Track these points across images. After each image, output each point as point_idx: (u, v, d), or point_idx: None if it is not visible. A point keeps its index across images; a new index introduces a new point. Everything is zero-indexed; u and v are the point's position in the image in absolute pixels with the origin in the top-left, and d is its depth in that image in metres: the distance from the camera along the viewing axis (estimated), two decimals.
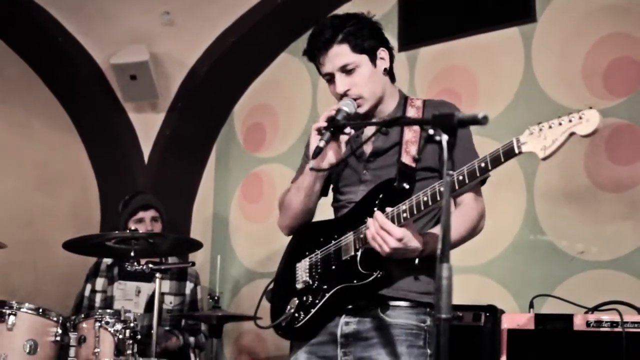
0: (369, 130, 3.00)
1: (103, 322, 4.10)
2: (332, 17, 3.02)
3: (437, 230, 2.85)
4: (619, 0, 4.72)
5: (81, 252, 4.84)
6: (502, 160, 2.47)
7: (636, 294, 4.18)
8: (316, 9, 5.69)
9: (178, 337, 5.14)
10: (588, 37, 4.80)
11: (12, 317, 3.95)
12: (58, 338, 4.10)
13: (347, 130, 2.82)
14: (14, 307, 3.99)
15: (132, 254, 4.33)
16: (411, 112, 3.00)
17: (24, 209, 6.14)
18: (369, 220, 2.72)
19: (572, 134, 2.35)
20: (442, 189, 2.59)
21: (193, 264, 4.94)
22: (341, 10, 5.50)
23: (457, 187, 2.57)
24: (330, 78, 2.97)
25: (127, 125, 6.49)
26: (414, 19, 5.56)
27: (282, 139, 6.24)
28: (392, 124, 2.72)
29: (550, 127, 2.38)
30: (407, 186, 2.83)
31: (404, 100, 3.07)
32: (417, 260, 2.78)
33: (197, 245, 4.88)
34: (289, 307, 2.99)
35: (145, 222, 5.23)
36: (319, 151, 2.79)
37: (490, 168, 2.50)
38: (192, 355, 5.33)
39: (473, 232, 2.93)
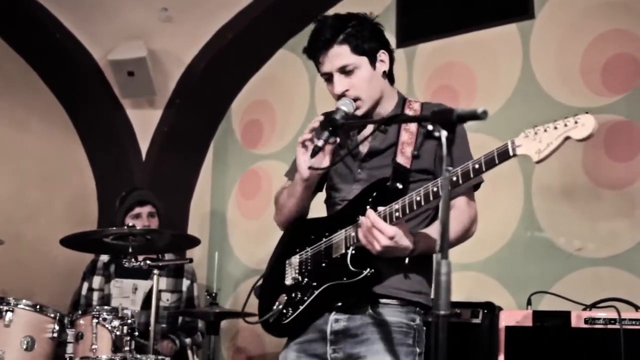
0: (367, 130, 3.01)
1: (100, 318, 4.09)
2: (334, 16, 3.00)
3: (428, 230, 2.85)
4: None
5: (78, 249, 4.83)
6: (497, 162, 2.47)
7: (634, 291, 4.18)
8: (314, 6, 5.68)
9: (175, 343, 5.12)
10: (586, 34, 4.80)
11: (9, 314, 3.95)
12: (55, 334, 4.10)
13: (332, 140, 2.81)
14: (11, 304, 3.99)
15: (130, 250, 4.32)
16: (409, 114, 3.00)
17: (22, 205, 6.13)
18: (361, 218, 2.72)
19: (567, 138, 2.35)
20: (434, 189, 2.60)
21: (191, 260, 4.93)
22: (339, 7, 5.52)
23: (449, 188, 2.56)
24: (328, 77, 2.96)
25: (125, 122, 6.49)
26: (412, 15, 5.55)
27: (279, 136, 6.23)
28: (390, 122, 2.72)
29: (545, 130, 2.39)
30: (400, 186, 2.84)
31: (403, 102, 3.06)
32: (407, 260, 2.79)
33: (194, 242, 4.88)
34: (277, 303, 3.00)
35: (142, 217, 5.22)
36: (317, 150, 2.80)
37: (484, 169, 2.50)
38: (189, 353, 5.33)
39: (464, 236, 2.92)
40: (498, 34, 5.15)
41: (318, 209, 3.21)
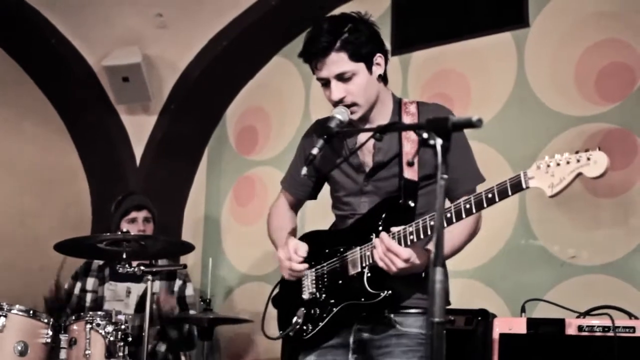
0: (362, 136, 2.99)
1: (94, 324, 4.09)
2: (329, 20, 2.97)
3: None
4: (611, 6, 4.73)
5: (72, 254, 4.84)
6: (510, 193, 2.50)
7: (628, 299, 4.19)
8: (309, 12, 5.70)
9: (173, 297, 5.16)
10: (581, 43, 4.81)
11: (2, 319, 3.94)
12: (49, 340, 4.09)
13: (315, 152, 2.80)
14: (5, 309, 3.97)
15: (124, 256, 4.32)
16: (407, 120, 2.99)
17: (16, 210, 6.12)
18: (375, 241, 2.74)
19: (579, 174, 2.36)
20: (448, 215, 2.61)
21: (185, 266, 4.93)
22: (335, 13, 5.50)
23: (464, 216, 2.59)
24: (325, 83, 2.94)
25: (119, 127, 6.48)
26: (407, 22, 5.56)
27: (274, 142, 6.23)
28: (385, 130, 2.71)
29: (558, 164, 2.40)
30: (412, 204, 2.86)
31: (398, 106, 3.05)
32: (423, 274, 2.81)
33: (189, 248, 4.88)
34: (296, 317, 3.01)
35: (137, 222, 5.22)
36: (312, 159, 2.81)
37: (497, 200, 2.52)
38: (182, 358, 5.32)
39: (472, 234, 2.95)
40: (493, 42, 5.16)
41: (324, 217, 3.21)
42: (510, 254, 4.85)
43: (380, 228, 2.79)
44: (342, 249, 2.96)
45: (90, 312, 4.26)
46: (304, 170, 2.88)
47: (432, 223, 2.65)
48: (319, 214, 3.40)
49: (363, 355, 2.92)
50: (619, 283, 4.43)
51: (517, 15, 5.06)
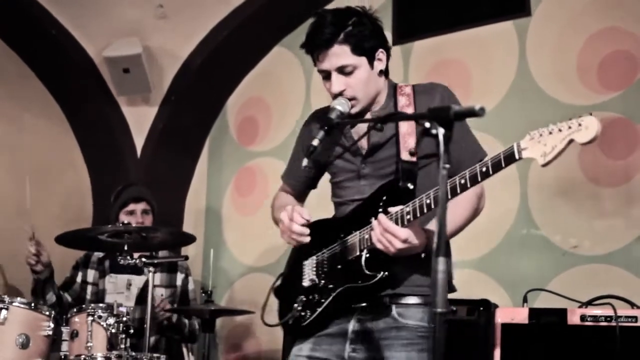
0: (362, 126, 3.00)
1: (96, 316, 4.08)
2: (334, 12, 2.96)
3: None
4: None
5: (73, 246, 4.83)
6: (503, 165, 2.49)
7: (630, 289, 4.19)
8: (311, 2, 5.67)
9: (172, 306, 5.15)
10: (582, 31, 4.79)
11: (4, 312, 3.92)
12: (50, 332, 4.08)
13: (315, 143, 2.80)
14: (6, 302, 3.96)
15: (125, 247, 4.31)
16: (402, 101, 2.99)
17: (16, 201, 6.11)
18: (374, 223, 2.74)
19: (571, 140, 2.35)
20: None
21: (186, 257, 4.93)
22: (336, 3, 5.50)
23: (459, 191, 2.58)
24: (326, 75, 2.94)
25: (120, 118, 6.47)
26: (409, 12, 5.55)
27: (275, 133, 6.22)
28: (387, 120, 2.71)
29: (550, 132, 2.39)
30: (411, 186, 2.86)
31: (394, 90, 3.05)
32: (423, 255, 2.80)
33: (190, 239, 4.87)
34: (295, 304, 3.02)
35: (136, 214, 5.21)
36: (313, 150, 2.82)
37: (491, 173, 2.51)
38: (184, 349, 5.33)
39: (474, 213, 2.95)
40: (494, 31, 5.15)
41: (324, 207, 3.21)
42: (512, 244, 4.84)
43: (380, 211, 2.79)
44: (342, 235, 2.96)
45: (92, 305, 4.25)
46: (305, 162, 2.90)
47: (427, 201, 2.64)
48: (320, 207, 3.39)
49: (361, 346, 2.91)
50: (621, 272, 4.42)
51: (518, 4, 5.04)
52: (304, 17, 5.58)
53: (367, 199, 2.95)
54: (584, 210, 4.62)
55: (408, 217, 2.70)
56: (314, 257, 3.05)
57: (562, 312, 3.80)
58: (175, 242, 5.38)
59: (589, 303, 3.90)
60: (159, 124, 6.41)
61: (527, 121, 4.84)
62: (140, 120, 6.46)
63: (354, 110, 2.93)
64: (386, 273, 2.78)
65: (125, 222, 4.47)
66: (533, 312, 3.90)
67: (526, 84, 4.95)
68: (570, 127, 2.34)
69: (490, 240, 4.89)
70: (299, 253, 3.13)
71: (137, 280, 5.11)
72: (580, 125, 2.33)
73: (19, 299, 4.05)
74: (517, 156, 2.46)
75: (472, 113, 2.01)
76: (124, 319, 4.15)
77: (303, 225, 2.92)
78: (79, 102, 6.57)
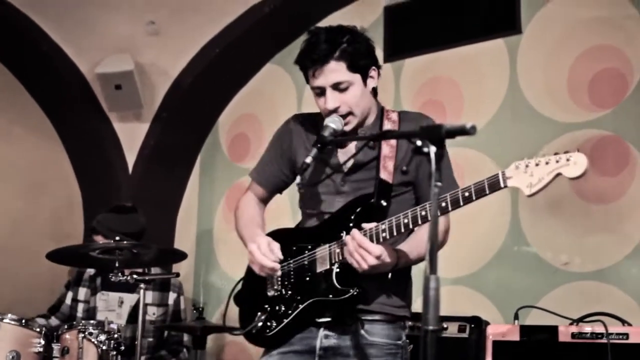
0: (351, 144, 3.03)
1: (86, 333, 4.08)
2: (327, 30, 2.97)
3: (408, 244, 2.90)
4: (604, 12, 4.74)
5: (64, 263, 4.83)
6: (487, 192, 2.52)
7: (621, 306, 4.20)
8: (302, 19, 5.69)
9: None
10: (573, 49, 4.81)
11: None
12: (41, 349, 4.08)
13: (309, 160, 2.82)
14: None
15: (116, 264, 4.31)
16: (387, 126, 3.02)
17: (7, 217, 6.10)
18: (347, 237, 2.76)
19: (558, 174, 2.37)
20: (423, 213, 2.64)
21: (178, 274, 4.91)
22: (328, 21, 5.53)
23: (438, 213, 2.57)
24: (320, 92, 2.96)
25: (112, 135, 6.47)
26: (400, 30, 5.56)
27: None
28: (379, 138, 2.74)
29: (537, 164, 2.41)
30: (384, 203, 2.88)
31: (381, 113, 3.07)
32: (389, 275, 2.83)
33: (181, 256, 4.86)
34: (259, 314, 3.03)
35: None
36: (306, 167, 2.84)
37: (474, 198, 2.54)
38: None
39: (439, 246, 2.94)
40: (485, 49, 5.17)
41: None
42: (503, 261, 4.84)
43: (351, 225, 2.81)
44: (309, 247, 2.97)
45: (83, 321, 4.24)
46: (298, 179, 2.91)
47: (405, 221, 2.67)
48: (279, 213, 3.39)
49: None
50: (611, 290, 4.43)
51: (509, 22, 5.06)
52: (296, 35, 5.61)
53: (338, 212, 2.96)
54: (575, 227, 4.63)
55: (384, 234, 2.72)
56: (279, 267, 3.00)
57: (554, 329, 3.81)
58: (167, 259, 5.38)
59: (580, 320, 3.90)
60: (150, 140, 6.41)
61: (518, 139, 4.88)
62: (131, 136, 6.46)
63: (347, 128, 2.94)
64: (358, 290, 2.79)
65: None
66: (524, 329, 3.91)
67: (517, 102, 4.96)
68: (558, 162, 2.37)
69: (481, 257, 4.89)
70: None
71: (129, 298, 5.09)
72: (568, 160, 2.37)
73: (9, 315, 4.05)
74: (502, 184, 2.49)
75: (463, 131, 2.01)
76: (115, 335, 4.14)
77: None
78: (71, 118, 6.57)
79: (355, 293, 2.79)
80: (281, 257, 2.92)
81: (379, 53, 5.42)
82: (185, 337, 5.31)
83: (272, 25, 5.97)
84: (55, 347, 4.13)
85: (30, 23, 6.02)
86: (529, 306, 4.32)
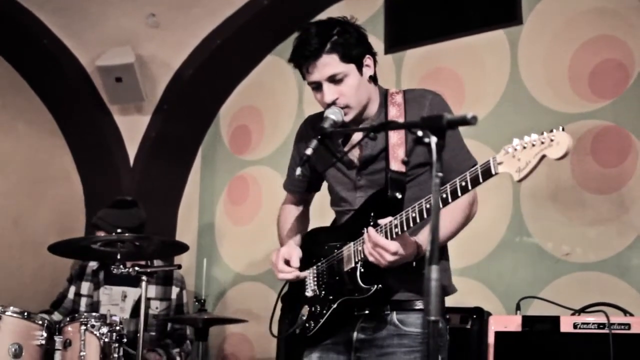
0: (355, 135, 3.03)
1: (89, 325, 4.07)
2: (317, 24, 2.99)
3: (426, 232, 2.86)
4: (604, 3, 4.74)
5: (66, 255, 4.81)
6: (481, 180, 2.50)
7: (623, 296, 4.20)
8: (302, 11, 5.70)
9: (161, 356, 5.08)
10: (574, 40, 4.81)
11: None
12: (43, 342, 4.08)
13: (309, 152, 2.81)
14: None
15: (118, 256, 4.30)
16: (393, 112, 3.00)
17: (9, 210, 6.11)
18: (365, 236, 2.77)
19: (543, 156, 2.33)
20: (427, 206, 2.64)
21: (179, 266, 4.90)
22: (328, 13, 5.53)
23: (440, 205, 2.58)
24: (317, 86, 2.97)
25: (113, 128, 6.47)
26: (401, 21, 5.56)
27: (267, 141, 6.23)
28: (379, 129, 2.73)
29: (524, 147, 2.37)
30: (399, 196, 2.87)
31: (385, 97, 3.07)
32: (414, 263, 2.82)
33: (183, 248, 4.86)
34: (300, 315, 3.06)
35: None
36: (307, 159, 2.82)
37: (470, 187, 2.53)
38: (177, 358, 5.30)
39: (466, 220, 2.96)
40: (486, 40, 5.16)
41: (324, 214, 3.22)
42: (505, 252, 4.85)
43: (371, 222, 2.82)
44: (338, 245, 2.99)
45: (85, 314, 4.24)
46: (298, 171, 2.91)
47: (413, 215, 2.67)
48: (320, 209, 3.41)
49: (365, 354, 2.93)
50: (613, 280, 4.43)
51: (510, 13, 5.06)
52: (297, 26, 5.59)
53: (359, 209, 2.98)
54: (577, 217, 4.63)
55: (396, 230, 2.73)
56: (315, 267, 3.07)
57: (555, 320, 3.82)
58: (169, 251, 5.37)
59: (582, 310, 3.91)
60: (151, 132, 6.41)
61: (519, 129, 4.82)
62: (132, 129, 6.46)
63: (347, 118, 2.94)
64: (380, 286, 2.80)
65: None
66: (526, 319, 3.91)
67: (518, 92, 4.96)
68: (542, 143, 2.32)
69: (483, 248, 4.89)
70: (302, 262, 3.13)
71: (133, 292, 5.08)
72: (552, 140, 2.31)
73: (11, 308, 4.04)
74: (493, 171, 2.46)
75: (464, 121, 2.01)
76: (117, 328, 4.14)
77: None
78: (72, 111, 6.57)
79: (377, 289, 2.80)
80: (297, 265, 3.02)
81: (380, 44, 5.46)
82: (189, 331, 5.32)
83: (272, 17, 5.96)
84: (58, 339, 4.13)
85: (31, 16, 6.02)
86: (530, 297, 4.33)
